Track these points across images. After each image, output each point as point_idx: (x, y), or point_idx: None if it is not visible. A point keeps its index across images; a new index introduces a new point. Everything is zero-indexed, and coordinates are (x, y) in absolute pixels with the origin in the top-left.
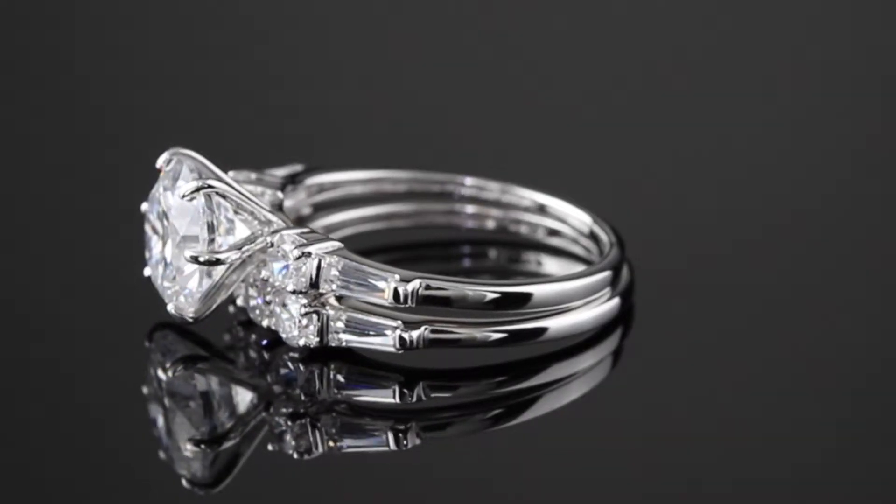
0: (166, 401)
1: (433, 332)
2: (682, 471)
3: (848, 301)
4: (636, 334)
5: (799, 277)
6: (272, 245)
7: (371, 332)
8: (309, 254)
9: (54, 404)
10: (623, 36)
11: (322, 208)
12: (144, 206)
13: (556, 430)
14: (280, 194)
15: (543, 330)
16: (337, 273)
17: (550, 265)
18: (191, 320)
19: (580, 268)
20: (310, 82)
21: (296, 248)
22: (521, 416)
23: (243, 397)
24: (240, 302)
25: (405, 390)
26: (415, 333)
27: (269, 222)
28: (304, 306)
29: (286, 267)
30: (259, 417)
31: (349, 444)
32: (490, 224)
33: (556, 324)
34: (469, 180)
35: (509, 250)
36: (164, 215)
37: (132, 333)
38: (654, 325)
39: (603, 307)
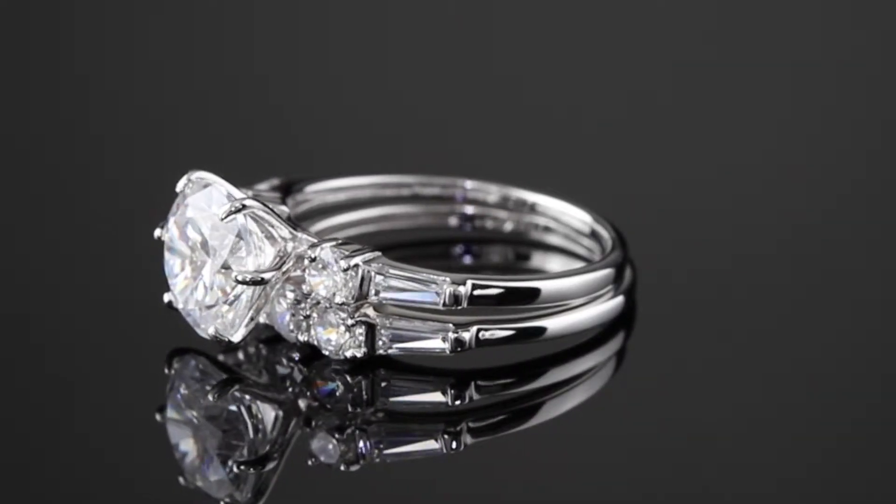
0: (205, 424)
1: (483, 331)
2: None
3: (851, 301)
4: (638, 334)
5: (804, 277)
6: (313, 259)
7: (421, 337)
8: (357, 265)
9: (83, 435)
10: (622, 36)
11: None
12: (158, 232)
13: (560, 436)
14: (286, 208)
15: (543, 329)
16: (384, 281)
17: (552, 264)
18: (235, 343)
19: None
20: (289, 91)
21: (342, 259)
22: (530, 421)
23: (283, 415)
24: (262, 319)
25: (459, 392)
26: (466, 334)
27: (297, 238)
28: (350, 317)
29: (331, 280)
30: (301, 433)
31: (397, 452)
32: (489, 225)
33: (558, 322)
34: (469, 183)
35: (510, 250)
36: (194, 239)
37: (148, 361)
38: (656, 324)
39: (605, 305)
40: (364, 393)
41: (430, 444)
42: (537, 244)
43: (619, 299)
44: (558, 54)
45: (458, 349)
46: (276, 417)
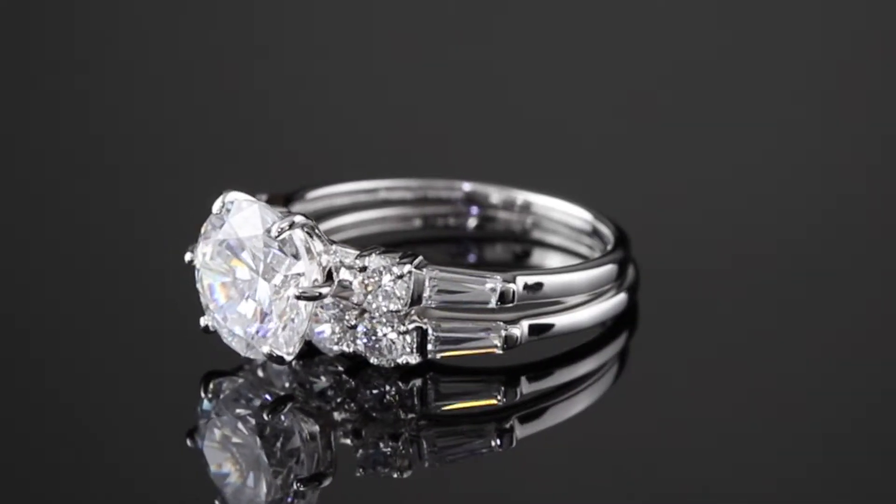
0: (254, 445)
1: (533, 325)
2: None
3: (853, 301)
4: (641, 333)
5: (806, 277)
6: (363, 269)
7: (473, 338)
8: (410, 272)
9: (114, 464)
10: (622, 35)
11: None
12: (189, 256)
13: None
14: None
15: (551, 326)
16: (436, 285)
17: (552, 262)
18: (289, 359)
19: None
20: (288, 96)
21: (394, 266)
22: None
23: (332, 428)
24: None
25: (509, 388)
26: (517, 331)
27: (330, 250)
28: (402, 324)
29: (384, 288)
30: (355, 443)
31: (451, 454)
32: (489, 226)
33: (564, 319)
34: (467, 185)
35: (509, 249)
36: (236, 260)
37: (182, 386)
38: (659, 323)
39: (609, 302)
40: (414, 398)
41: (483, 443)
42: (537, 243)
43: (622, 296)
44: (557, 54)
45: (509, 346)
46: (327, 431)
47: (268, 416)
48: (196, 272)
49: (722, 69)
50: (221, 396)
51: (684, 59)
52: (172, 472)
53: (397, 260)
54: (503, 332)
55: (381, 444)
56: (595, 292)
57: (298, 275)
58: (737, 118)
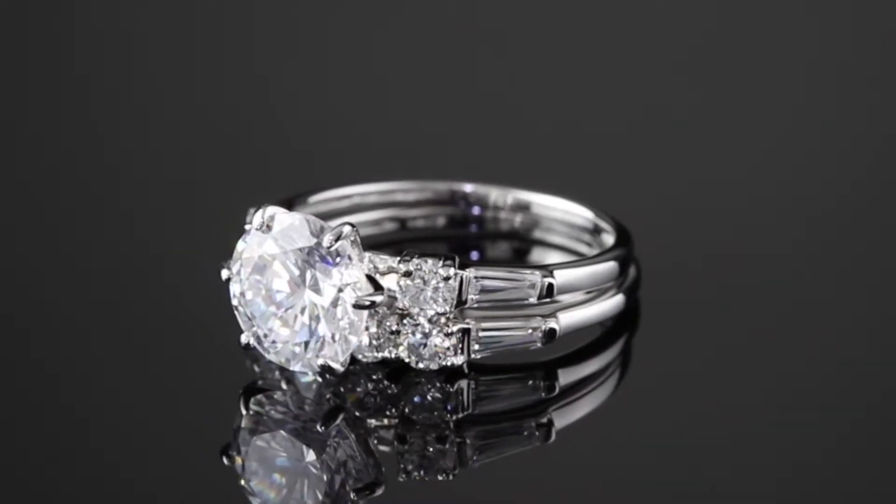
0: (305, 458)
1: (566, 319)
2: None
3: (856, 301)
4: (643, 332)
5: (809, 276)
6: (407, 273)
7: (513, 336)
8: (456, 273)
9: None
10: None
11: None
12: (227, 273)
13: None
14: None
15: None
16: (479, 285)
17: (552, 260)
18: (341, 370)
19: None
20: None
21: (440, 268)
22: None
23: (378, 434)
24: None
25: (548, 383)
26: (555, 324)
27: (363, 256)
28: (446, 325)
29: (430, 291)
30: (401, 448)
31: (494, 452)
32: (490, 226)
33: (568, 318)
34: (468, 186)
35: (509, 247)
36: (283, 274)
37: (218, 403)
38: (660, 323)
39: (612, 301)
40: (459, 398)
41: (523, 440)
42: (538, 242)
43: (621, 296)
44: (557, 53)
45: (548, 340)
46: (374, 439)
47: (321, 427)
48: (233, 288)
49: (723, 68)
50: (262, 412)
51: (685, 59)
52: (219, 492)
53: (441, 262)
54: (543, 327)
55: (428, 448)
56: (599, 289)
57: (351, 284)
58: (738, 117)
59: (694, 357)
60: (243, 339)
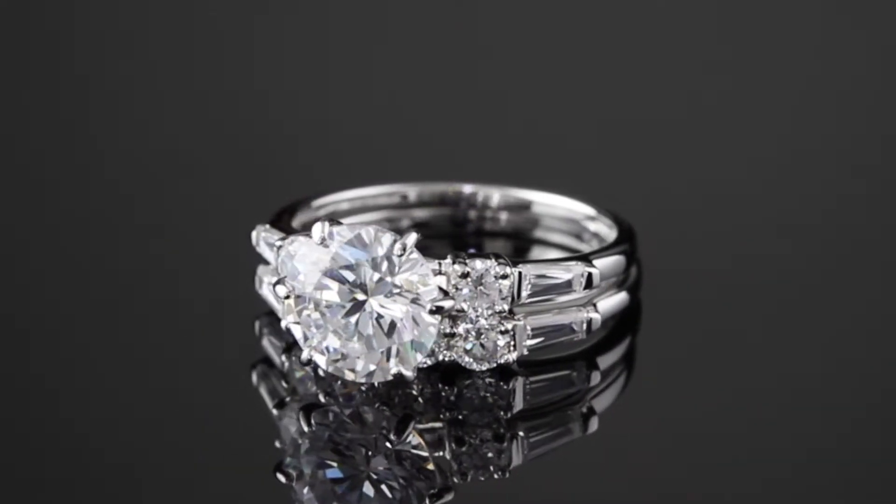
0: (377, 469)
1: (602, 308)
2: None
3: (860, 301)
4: (645, 332)
5: (812, 277)
6: (464, 275)
7: (561, 327)
8: (512, 271)
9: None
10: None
11: None
12: (284, 290)
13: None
14: None
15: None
16: (531, 280)
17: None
18: (413, 377)
19: None
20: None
21: (496, 267)
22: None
23: (438, 438)
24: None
25: (587, 372)
26: (596, 315)
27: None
28: (500, 323)
29: (489, 290)
30: (460, 450)
31: (546, 447)
32: (489, 226)
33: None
34: (468, 187)
35: (510, 246)
36: (352, 282)
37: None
38: (662, 322)
39: (621, 294)
40: (510, 396)
41: (570, 432)
42: (538, 241)
43: (625, 293)
44: (555, 53)
45: (590, 330)
46: (438, 442)
47: (394, 437)
48: (288, 304)
49: (725, 66)
50: (318, 425)
51: (686, 59)
52: None
53: (496, 260)
54: (585, 318)
55: (484, 448)
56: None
57: (422, 291)
58: (741, 116)
59: (695, 358)
60: (304, 355)
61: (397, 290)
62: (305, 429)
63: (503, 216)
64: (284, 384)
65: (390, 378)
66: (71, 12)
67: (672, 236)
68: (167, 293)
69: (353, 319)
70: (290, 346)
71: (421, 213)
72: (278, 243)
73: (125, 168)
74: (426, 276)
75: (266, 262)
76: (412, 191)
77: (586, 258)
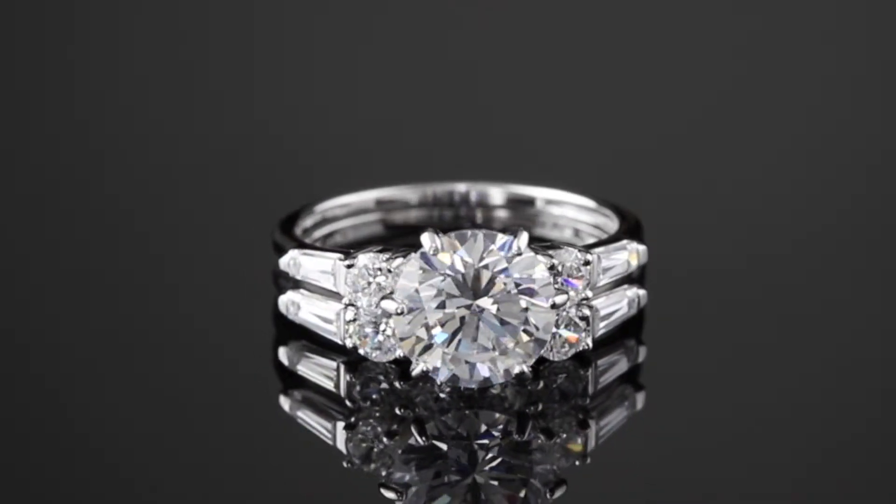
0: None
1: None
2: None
3: (865, 301)
4: (648, 332)
5: (819, 277)
6: (552, 268)
7: (620, 309)
8: (593, 256)
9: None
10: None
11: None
12: (395, 305)
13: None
14: None
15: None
16: (604, 265)
17: None
18: (530, 374)
19: None
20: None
21: (578, 254)
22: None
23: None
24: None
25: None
26: (643, 291)
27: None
28: (578, 311)
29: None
30: (549, 444)
31: (615, 424)
32: (489, 226)
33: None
34: (463, 186)
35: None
36: (494, 286)
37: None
38: (666, 322)
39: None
40: (585, 380)
41: (631, 405)
42: (539, 240)
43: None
44: (557, 52)
45: (637, 310)
46: (535, 437)
47: (518, 436)
48: (397, 318)
49: (730, 65)
50: (443, 432)
51: (687, 59)
52: None
53: (577, 247)
54: (635, 297)
55: (568, 435)
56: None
57: (541, 287)
58: (748, 116)
59: (697, 357)
60: (418, 369)
61: (514, 290)
62: (420, 441)
63: (503, 214)
64: (349, 404)
65: (512, 378)
66: (71, 15)
67: (671, 236)
68: (168, 307)
69: (471, 325)
70: (354, 366)
71: (421, 214)
72: (384, 265)
73: (121, 169)
74: (542, 273)
75: (292, 285)
76: (413, 193)
77: (635, 235)
